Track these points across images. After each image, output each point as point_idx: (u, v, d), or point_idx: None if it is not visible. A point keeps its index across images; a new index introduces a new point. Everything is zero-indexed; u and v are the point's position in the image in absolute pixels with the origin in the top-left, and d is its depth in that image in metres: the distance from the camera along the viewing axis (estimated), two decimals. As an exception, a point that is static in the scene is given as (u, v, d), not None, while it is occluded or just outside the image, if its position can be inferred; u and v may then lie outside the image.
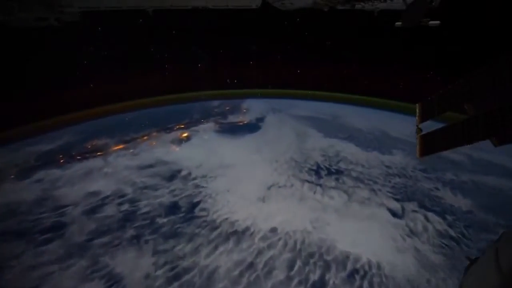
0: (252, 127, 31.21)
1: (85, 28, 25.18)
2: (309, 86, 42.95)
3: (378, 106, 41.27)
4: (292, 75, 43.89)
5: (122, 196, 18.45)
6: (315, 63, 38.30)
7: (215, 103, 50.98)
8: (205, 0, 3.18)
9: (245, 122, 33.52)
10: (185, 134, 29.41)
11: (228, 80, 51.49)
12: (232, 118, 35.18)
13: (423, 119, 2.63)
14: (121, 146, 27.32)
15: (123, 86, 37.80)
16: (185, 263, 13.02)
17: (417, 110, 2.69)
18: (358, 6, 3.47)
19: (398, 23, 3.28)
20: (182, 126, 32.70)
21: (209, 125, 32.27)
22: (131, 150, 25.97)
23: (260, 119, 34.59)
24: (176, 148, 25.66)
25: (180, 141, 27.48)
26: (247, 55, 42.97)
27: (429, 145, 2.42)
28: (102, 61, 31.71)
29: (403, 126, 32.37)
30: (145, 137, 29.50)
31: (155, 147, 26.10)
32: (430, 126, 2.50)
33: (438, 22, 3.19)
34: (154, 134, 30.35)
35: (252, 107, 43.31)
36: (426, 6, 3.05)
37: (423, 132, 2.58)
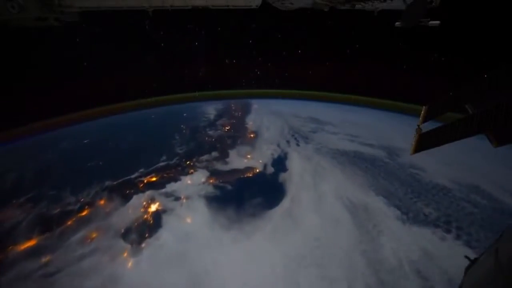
0: (270, 188, 18.60)
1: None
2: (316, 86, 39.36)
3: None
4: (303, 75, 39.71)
5: None
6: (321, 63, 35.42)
7: (211, 114, 37.66)
8: (205, 0, 3.07)
9: (257, 170, 20.76)
10: (154, 208, 16.76)
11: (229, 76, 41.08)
12: (234, 159, 22.34)
13: (425, 119, 2.68)
14: (32, 243, 14.94)
15: (109, 87, 33.77)
16: None
17: (422, 112, 2.77)
18: (358, 6, 3.35)
19: (398, 23, 3.23)
20: (154, 178, 19.94)
21: (198, 179, 19.51)
22: (44, 259, 13.57)
23: (280, 163, 21.80)
24: (129, 262, 13.18)
25: (141, 232, 14.96)
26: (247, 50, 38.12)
27: (424, 142, 2.43)
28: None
29: None
30: (84, 212, 16.91)
31: (90, 253, 13.65)
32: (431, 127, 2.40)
33: (438, 22, 3.16)
34: (102, 202, 17.67)
35: (262, 128, 30.17)
36: (426, 6, 3.04)
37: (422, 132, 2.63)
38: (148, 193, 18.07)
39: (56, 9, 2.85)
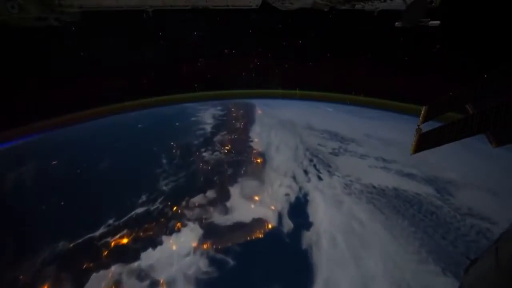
0: (291, 262, 12.88)
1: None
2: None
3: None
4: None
5: None
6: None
7: (208, 125, 31.63)
8: (205, 0, 3.05)
9: (269, 225, 15.08)
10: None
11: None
12: (237, 203, 16.68)
13: (425, 119, 2.67)
14: None
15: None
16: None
17: (422, 112, 2.76)
18: (358, 6, 3.34)
19: (398, 23, 3.22)
20: (125, 239, 14.40)
21: (187, 242, 13.89)
22: None
23: (299, 211, 16.14)
24: None
25: None
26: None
27: (425, 142, 2.43)
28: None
29: None
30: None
31: None
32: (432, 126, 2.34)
33: (438, 22, 3.10)
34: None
35: (271, 148, 24.30)
36: (426, 6, 3.05)
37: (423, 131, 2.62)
38: (114, 269, 12.48)
39: (56, 9, 2.81)
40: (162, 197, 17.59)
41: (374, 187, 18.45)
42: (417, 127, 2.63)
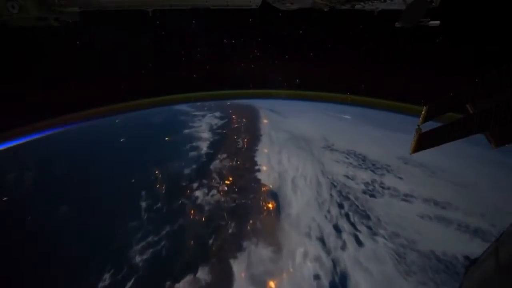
0: None
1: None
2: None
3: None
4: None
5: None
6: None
7: (204, 142, 25.62)
8: (205, 0, 3.03)
9: None
10: None
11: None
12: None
13: (425, 119, 2.65)
14: None
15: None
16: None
17: (423, 112, 2.75)
18: (358, 6, 3.32)
19: (398, 23, 3.19)
20: None
21: None
22: None
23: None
24: None
25: None
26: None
27: (424, 141, 2.38)
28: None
29: None
30: None
31: None
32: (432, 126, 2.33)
33: (438, 22, 3.13)
34: None
35: (285, 185, 18.38)
36: (426, 6, 3.03)
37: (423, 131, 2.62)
38: None
39: (56, 9, 2.80)
40: (132, 279, 11.88)
41: (438, 258, 12.80)
42: (417, 127, 2.45)
